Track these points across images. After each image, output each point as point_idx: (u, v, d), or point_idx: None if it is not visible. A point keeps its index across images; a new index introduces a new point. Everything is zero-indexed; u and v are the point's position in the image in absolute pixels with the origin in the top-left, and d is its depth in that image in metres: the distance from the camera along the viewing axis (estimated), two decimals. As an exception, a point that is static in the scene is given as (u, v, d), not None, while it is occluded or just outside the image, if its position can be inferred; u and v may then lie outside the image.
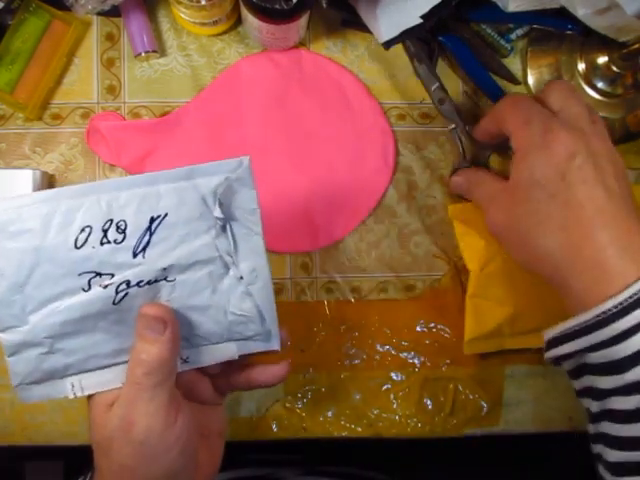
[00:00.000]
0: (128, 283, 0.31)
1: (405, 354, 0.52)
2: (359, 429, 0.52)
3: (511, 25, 0.51)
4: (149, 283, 0.31)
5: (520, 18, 0.49)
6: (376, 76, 0.52)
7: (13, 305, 0.31)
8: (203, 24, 0.48)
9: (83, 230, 0.31)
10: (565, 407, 0.53)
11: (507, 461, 0.69)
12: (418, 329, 0.52)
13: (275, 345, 0.35)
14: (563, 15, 0.47)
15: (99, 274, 0.31)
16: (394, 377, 0.52)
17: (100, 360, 0.32)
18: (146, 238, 0.31)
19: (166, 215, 0.31)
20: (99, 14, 0.49)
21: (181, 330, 0.33)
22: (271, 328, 0.35)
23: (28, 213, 0.30)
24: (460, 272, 0.52)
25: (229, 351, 0.35)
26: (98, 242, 0.31)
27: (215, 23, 0.48)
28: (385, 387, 0.52)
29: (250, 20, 0.46)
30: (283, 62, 0.50)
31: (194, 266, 0.32)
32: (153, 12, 0.50)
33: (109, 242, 0.31)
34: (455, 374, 0.52)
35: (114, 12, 0.48)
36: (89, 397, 0.33)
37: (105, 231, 0.31)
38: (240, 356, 0.35)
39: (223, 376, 0.37)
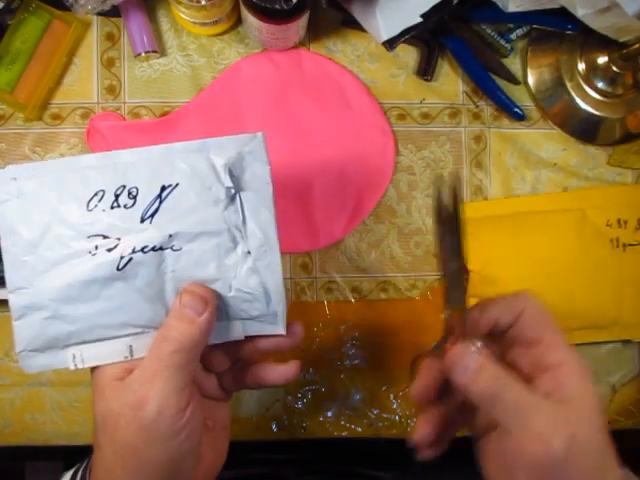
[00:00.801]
0: (133, 248, 0.31)
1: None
2: (359, 429, 0.52)
3: (511, 25, 0.51)
4: (154, 250, 0.31)
5: (520, 18, 0.49)
6: (376, 76, 0.52)
7: (24, 266, 0.31)
8: (203, 24, 0.48)
9: (96, 194, 0.31)
10: (565, 407, 0.53)
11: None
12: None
13: (280, 329, 0.34)
14: (563, 15, 0.47)
15: (106, 237, 0.31)
16: (394, 377, 0.52)
17: (103, 331, 0.32)
18: (155, 205, 0.31)
19: (177, 185, 0.31)
20: (99, 14, 0.49)
21: None
22: (277, 310, 0.33)
23: (46, 176, 0.31)
24: (460, 272, 0.52)
25: (235, 330, 0.34)
26: (109, 206, 0.31)
27: (215, 23, 0.48)
28: (385, 387, 0.52)
29: (250, 20, 0.46)
30: (283, 62, 0.50)
31: (201, 236, 0.32)
32: (153, 12, 0.50)
33: (119, 206, 0.31)
34: (455, 374, 0.52)
35: (114, 12, 0.48)
36: (93, 369, 0.32)
37: (117, 196, 0.31)
38: (246, 337, 0.34)
39: (230, 374, 0.37)
